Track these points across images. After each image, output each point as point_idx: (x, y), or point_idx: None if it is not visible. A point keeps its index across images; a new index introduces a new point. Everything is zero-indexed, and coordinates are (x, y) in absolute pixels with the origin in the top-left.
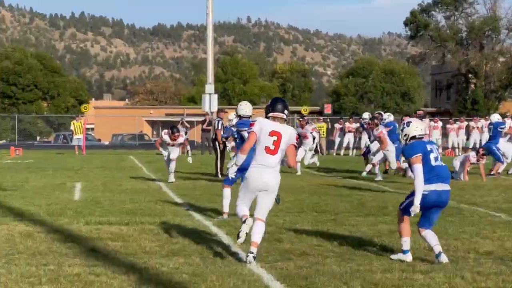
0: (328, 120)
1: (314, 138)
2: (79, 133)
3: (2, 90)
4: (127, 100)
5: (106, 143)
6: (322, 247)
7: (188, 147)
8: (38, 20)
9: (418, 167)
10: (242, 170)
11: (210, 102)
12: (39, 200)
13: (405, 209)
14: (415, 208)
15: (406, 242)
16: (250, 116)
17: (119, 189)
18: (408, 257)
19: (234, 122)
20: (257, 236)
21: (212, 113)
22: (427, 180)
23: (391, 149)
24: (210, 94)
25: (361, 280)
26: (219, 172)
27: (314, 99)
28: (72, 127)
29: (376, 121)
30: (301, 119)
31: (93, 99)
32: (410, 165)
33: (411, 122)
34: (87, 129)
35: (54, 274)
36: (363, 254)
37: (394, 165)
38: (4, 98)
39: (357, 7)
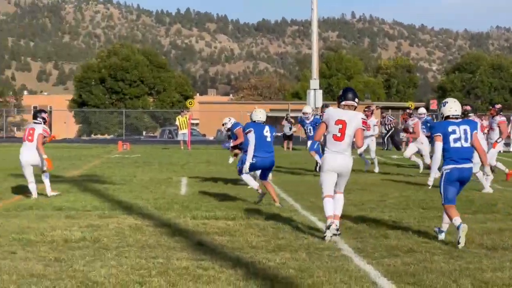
0: (434, 116)
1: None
2: (184, 128)
3: (110, 86)
4: (231, 95)
5: (211, 138)
6: (429, 244)
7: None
8: (144, 17)
9: (437, 145)
10: (252, 168)
11: (315, 97)
12: (146, 194)
13: (443, 199)
14: (430, 179)
15: (456, 220)
16: (264, 121)
17: (225, 184)
18: (464, 226)
19: (228, 125)
20: (339, 210)
21: (317, 108)
22: (445, 161)
23: (425, 142)
24: (315, 89)
25: (471, 278)
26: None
27: (419, 95)
28: (177, 122)
29: (408, 111)
30: (366, 110)
31: (197, 94)
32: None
33: (447, 102)
34: (192, 124)
35: (163, 267)
36: (472, 251)
37: (428, 159)
38: (112, 94)
39: (464, 1)
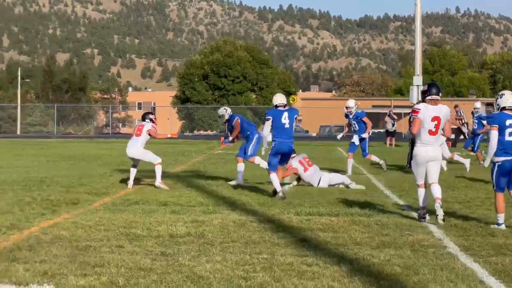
0: None
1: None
2: None
3: (213, 82)
4: (333, 91)
5: (314, 134)
6: None
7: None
8: (247, 13)
9: (493, 133)
10: (277, 154)
11: (418, 94)
12: (249, 190)
13: (495, 186)
14: (485, 163)
15: (500, 218)
16: (285, 105)
17: None
18: (503, 227)
19: (226, 117)
20: (438, 193)
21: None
22: (498, 152)
23: (444, 143)
24: (418, 86)
25: None
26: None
27: None
28: None
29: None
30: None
31: (300, 90)
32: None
33: (504, 94)
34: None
35: (267, 263)
36: None
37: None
38: (215, 90)
39: None
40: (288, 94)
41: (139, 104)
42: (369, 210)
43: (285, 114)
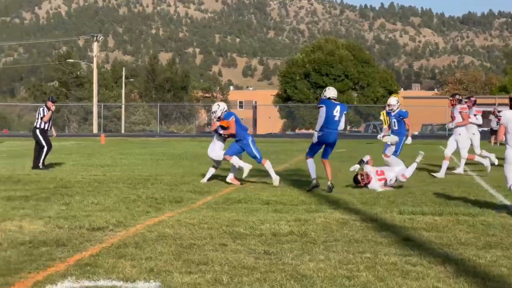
0: None
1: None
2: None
3: (314, 81)
4: (436, 90)
5: (416, 133)
6: None
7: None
8: (348, 12)
9: None
10: (320, 144)
11: None
12: (352, 189)
13: None
14: None
15: None
16: (336, 98)
17: (430, 180)
18: None
19: (218, 113)
20: None
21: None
22: None
23: (463, 134)
24: None
25: None
26: None
27: None
28: (381, 118)
29: (458, 97)
30: (451, 98)
31: (402, 89)
32: None
33: None
34: None
35: (370, 262)
36: None
37: (478, 150)
38: (316, 88)
39: None
40: (389, 92)
41: (240, 103)
42: (474, 210)
43: (338, 108)
